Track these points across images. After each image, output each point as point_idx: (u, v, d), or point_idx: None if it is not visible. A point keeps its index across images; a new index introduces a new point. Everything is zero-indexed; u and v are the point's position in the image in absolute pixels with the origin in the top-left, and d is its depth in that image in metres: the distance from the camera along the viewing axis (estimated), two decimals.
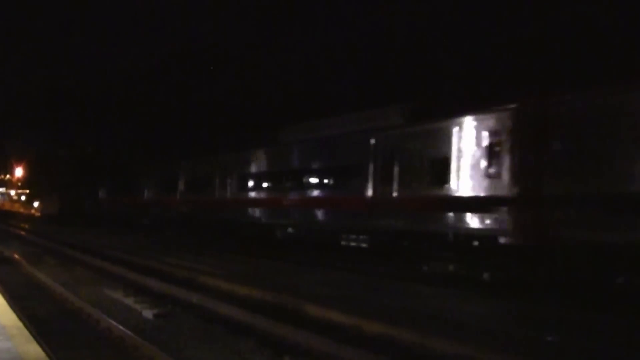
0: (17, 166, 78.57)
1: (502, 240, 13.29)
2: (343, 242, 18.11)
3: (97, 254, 21.27)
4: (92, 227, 38.14)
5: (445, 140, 14.91)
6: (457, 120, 14.75)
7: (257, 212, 23.19)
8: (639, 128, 11.23)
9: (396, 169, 16.15)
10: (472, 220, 14.12)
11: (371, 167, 17.00)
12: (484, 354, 7.77)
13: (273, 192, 22.18)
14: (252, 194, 23.62)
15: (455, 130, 14.67)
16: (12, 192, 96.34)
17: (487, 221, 13.70)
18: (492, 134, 13.83)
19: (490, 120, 14.00)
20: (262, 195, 22.94)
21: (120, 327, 9.47)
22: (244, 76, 40.24)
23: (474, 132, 14.26)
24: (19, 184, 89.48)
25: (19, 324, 8.72)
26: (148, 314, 10.82)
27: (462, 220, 14.35)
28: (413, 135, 16.20)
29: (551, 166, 12.56)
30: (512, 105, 13.80)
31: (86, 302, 11.61)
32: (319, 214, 19.51)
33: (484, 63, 27.00)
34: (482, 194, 13.93)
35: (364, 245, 17.40)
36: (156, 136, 46.34)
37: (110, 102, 49.20)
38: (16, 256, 20.06)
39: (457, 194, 14.51)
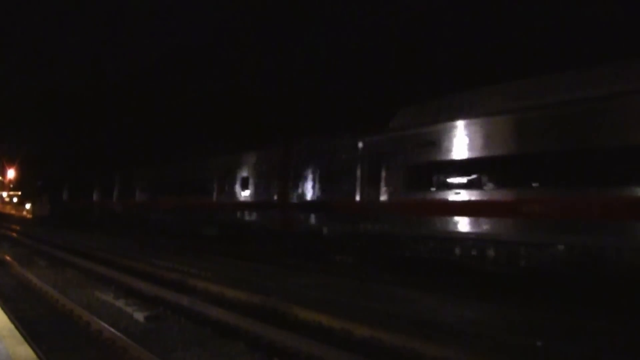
0: (9, 168, 78.23)
1: (270, 227, 21.64)
2: (205, 232, 26.39)
3: (88, 256, 21.26)
4: (82, 229, 38.07)
5: (245, 166, 23.75)
6: (249, 153, 23.94)
7: (157, 213, 31.22)
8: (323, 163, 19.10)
9: (226, 183, 24.73)
10: (256, 216, 22.74)
11: (215, 181, 25.61)
12: (474, 358, 7.86)
13: (162, 198, 30.58)
14: (153, 199, 32.13)
15: (251, 159, 23.56)
16: (4, 194, 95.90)
17: (264, 217, 22.10)
18: (266, 163, 22.44)
19: (264, 154, 22.94)
20: (157, 200, 31.42)
21: (112, 329, 9.51)
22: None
23: (258, 161, 23.05)
24: (11, 185, 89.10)
25: (10, 325, 8.76)
26: (139, 316, 10.86)
27: (252, 216, 22.94)
28: (229, 161, 25.01)
29: (290, 185, 20.60)
30: (275, 145, 22.56)
31: (77, 304, 11.64)
32: (191, 212, 27.66)
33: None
34: (262, 201, 22.29)
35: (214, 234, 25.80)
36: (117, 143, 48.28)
37: (86, 107, 49.44)
38: (7, 258, 20.03)
39: (251, 201, 23.06)
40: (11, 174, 79.64)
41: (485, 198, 13.65)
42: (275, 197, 21.48)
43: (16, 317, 9.99)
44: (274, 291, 12.98)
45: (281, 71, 35.11)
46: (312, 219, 19.35)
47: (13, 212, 79.49)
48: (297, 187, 20.18)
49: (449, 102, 15.32)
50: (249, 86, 36.27)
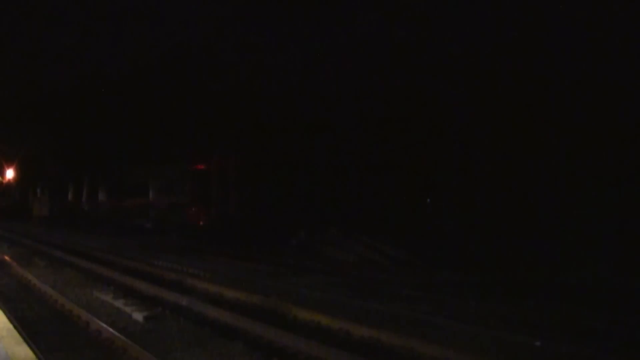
0: (8, 168, 78.09)
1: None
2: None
3: (87, 256, 21.26)
4: (81, 230, 38.08)
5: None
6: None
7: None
8: None
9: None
10: None
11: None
12: (474, 358, 7.85)
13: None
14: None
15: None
16: None
17: None
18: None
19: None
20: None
21: (111, 329, 9.51)
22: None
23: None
24: None
25: (9, 325, 8.75)
26: (138, 316, 10.85)
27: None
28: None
29: None
30: None
31: (76, 304, 11.64)
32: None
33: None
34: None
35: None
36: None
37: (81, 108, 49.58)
38: (6, 258, 20.03)
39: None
40: (10, 174, 79.46)
41: None
42: None
43: (15, 317, 9.98)
44: (273, 291, 12.98)
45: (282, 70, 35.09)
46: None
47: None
48: None
49: None
50: (249, 86, 36.20)
